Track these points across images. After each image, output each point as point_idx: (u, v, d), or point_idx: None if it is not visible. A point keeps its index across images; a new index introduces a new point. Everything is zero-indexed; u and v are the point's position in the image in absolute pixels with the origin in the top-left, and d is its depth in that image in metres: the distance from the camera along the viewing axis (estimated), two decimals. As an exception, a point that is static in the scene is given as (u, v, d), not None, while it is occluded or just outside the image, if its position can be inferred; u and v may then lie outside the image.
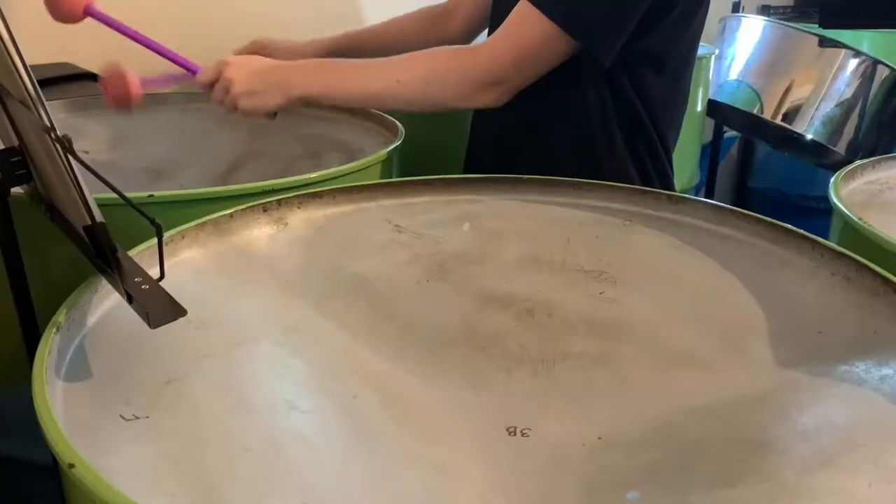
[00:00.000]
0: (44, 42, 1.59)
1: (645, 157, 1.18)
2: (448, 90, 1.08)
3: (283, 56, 1.32)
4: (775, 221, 0.83)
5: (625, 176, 1.16)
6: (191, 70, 1.17)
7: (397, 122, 1.20)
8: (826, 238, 0.81)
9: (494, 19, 1.21)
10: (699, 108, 2.08)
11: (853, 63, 1.98)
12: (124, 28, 1.20)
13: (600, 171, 1.12)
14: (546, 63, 1.06)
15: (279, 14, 2.00)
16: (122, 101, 1.13)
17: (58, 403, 0.56)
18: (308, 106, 1.22)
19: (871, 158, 1.12)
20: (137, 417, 0.58)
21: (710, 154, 2.54)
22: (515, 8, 1.05)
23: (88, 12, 1.19)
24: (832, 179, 1.02)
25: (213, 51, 1.75)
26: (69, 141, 0.54)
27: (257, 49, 1.37)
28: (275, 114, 1.13)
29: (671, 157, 1.22)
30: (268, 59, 1.15)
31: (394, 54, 1.15)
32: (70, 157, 0.56)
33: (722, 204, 0.88)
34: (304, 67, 1.14)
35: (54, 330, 0.60)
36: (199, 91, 1.44)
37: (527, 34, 1.04)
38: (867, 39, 2.33)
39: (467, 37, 1.43)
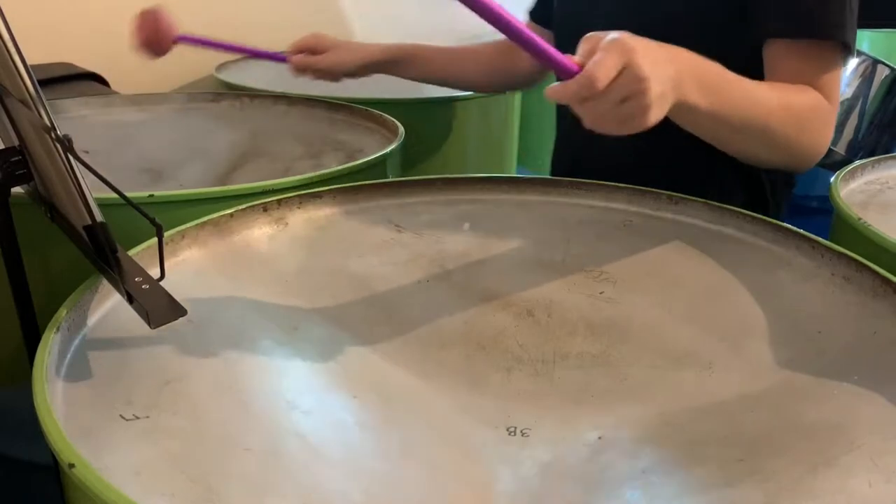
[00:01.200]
0: (44, 42, 1.59)
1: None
2: (817, 147, 0.93)
3: (343, 55, 1.28)
4: (775, 221, 0.83)
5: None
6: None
7: (397, 123, 1.20)
8: (826, 238, 0.81)
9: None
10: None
11: (853, 63, 1.98)
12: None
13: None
14: None
15: (269, 16, 2.00)
16: (153, 42, 1.14)
17: (58, 403, 0.56)
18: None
19: (871, 158, 1.12)
20: (137, 417, 0.58)
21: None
22: (801, 50, 0.91)
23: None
24: (832, 179, 1.02)
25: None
26: (69, 141, 0.54)
27: (316, 42, 1.29)
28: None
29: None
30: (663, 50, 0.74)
31: (457, 73, 1.09)
32: (70, 157, 0.56)
33: (722, 204, 0.88)
34: (694, 73, 0.78)
35: (54, 330, 0.60)
36: (198, 91, 1.45)
37: (835, 79, 0.93)
38: (867, 39, 2.32)
39: (537, 72, 1.35)
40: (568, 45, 0.72)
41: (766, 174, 1.09)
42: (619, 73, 0.67)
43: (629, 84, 0.67)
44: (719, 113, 0.81)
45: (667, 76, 0.71)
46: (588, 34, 0.70)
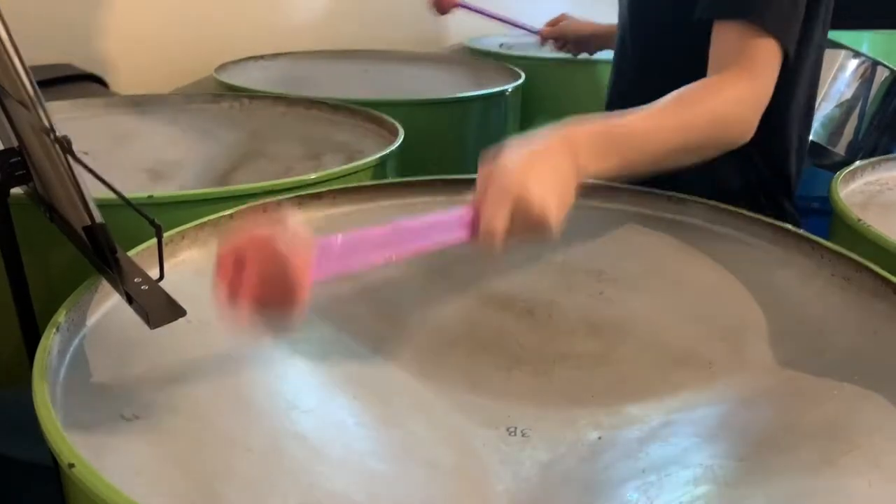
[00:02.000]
0: (44, 42, 1.59)
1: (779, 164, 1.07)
2: (739, 129, 0.90)
3: (580, 26, 1.56)
4: (775, 221, 0.83)
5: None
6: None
7: (397, 123, 1.20)
8: (826, 238, 0.81)
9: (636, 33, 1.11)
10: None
11: (853, 64, 1.98)
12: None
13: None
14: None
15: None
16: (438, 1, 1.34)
17: (58, 403, 0.56)
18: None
19: (871, 159, 1.12)
20: (137, 417, 0.58)
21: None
22: (724, 31, 0.92)
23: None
24: (832, 180, 1.02)
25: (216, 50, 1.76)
26: (68, 141, 0.54)
27: (562, 18, 1.62)
28: None
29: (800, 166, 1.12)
30: (528, 155, 0.73)
31: None
32: (69, 158, 0.56)
33: (722, 204, 0.88)
34: (590, 147, 0.78)
35: (54, 330, 0.60)
36: (198, 91, 1.45)
37: (771, 61, 0.91)
38: (867, 40, 2.32)
39: None
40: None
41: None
42: (513, 216, 0.68)
43: (523, 221, 0.68)
44: (632, 163, 0.81)
45: (555, 183, 0.71)
46: (480, 168, 0.73)
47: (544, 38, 1.65)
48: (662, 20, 1.06)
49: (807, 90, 1.09)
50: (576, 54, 1.65)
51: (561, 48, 1.64)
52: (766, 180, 1.09)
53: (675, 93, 0.88)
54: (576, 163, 0.74)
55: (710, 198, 0.96)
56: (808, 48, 1.02)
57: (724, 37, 0.93)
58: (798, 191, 1.23)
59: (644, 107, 0.84)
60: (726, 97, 0.90)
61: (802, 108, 1.08)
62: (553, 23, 1.64)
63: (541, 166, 0.72)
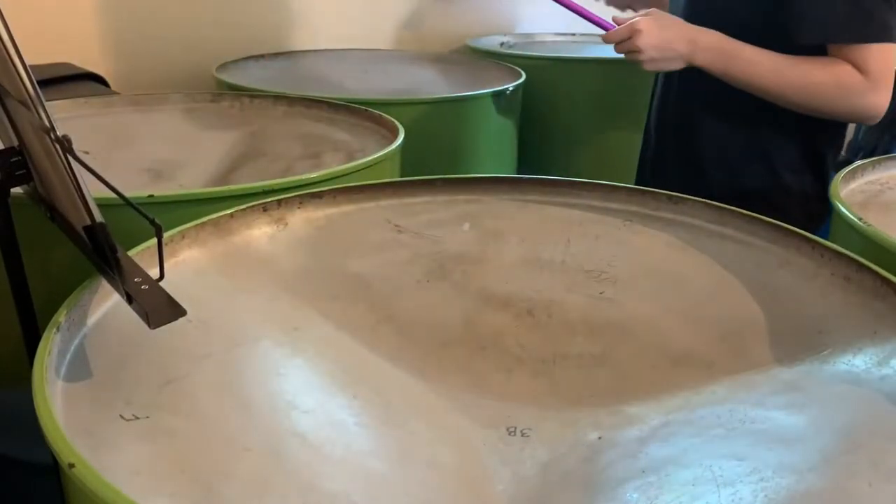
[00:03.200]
0: (44, 42, 1.59)
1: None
2: (840, 110, 1.18)
3: None
4: (775, 221, 0.83)
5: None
6: (603, 27, 1.29)
7: (397, 123, 1.20)
8: (826, 238, 0.81)
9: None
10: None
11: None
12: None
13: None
14: None
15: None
16: None
17: (58, 403, 0.56)
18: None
19: (871, 158, 1.12)
20: (137, 417, 0.58)
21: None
22: (851, 50, 1.14)
23: None
24: (832, 180, 1.02)
25: (218, 43, 1.76)
26: (69, 141, 0.54)
27: None
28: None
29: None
30: (675, 24, 1.22)
31: None
32: (70, 157, 0.56)
33: (722, 204, 0.88)
34: (709, 41, 1.19)
35: (54, 330, 0.60)
36: (198, 91, 1.45)
37: (883, 68, 1.15)
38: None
39: None
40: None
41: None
42: (627, 39, 1.22)
43: (630, 47, 1.22)
44: (737, 73, 1.19)
45: (667, 51, 1.21)
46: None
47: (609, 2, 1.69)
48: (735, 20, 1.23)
49: None
50: (621, 9, 1.66)
51: (610, 3, 1.65)
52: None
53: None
54: (690, 45, 1.20)
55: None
56: None
57: (839, 54, 1.15)
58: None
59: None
60: (850, 84, 1.14)
61: None
62: None
63: (669, 33, 1.21)
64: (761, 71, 1.17)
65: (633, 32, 1.20)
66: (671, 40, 1.20)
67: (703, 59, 1.19)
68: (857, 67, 1.13)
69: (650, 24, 1.20)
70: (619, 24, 1.25)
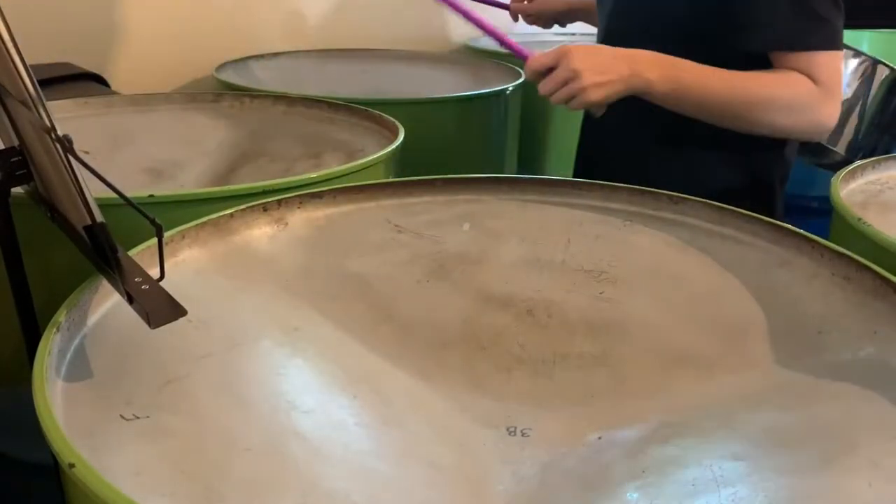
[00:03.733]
0: (44, 42, 1.59)
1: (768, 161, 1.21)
2: (798, 125, 1.08)
3: (551, 2, 1.56)
4: (775, 221, 0.83)
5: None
6: (521, 55, 1.14)
7: (397, 123, 1.20)
8: (826, 238, 0.81)
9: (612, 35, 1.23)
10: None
11: (853, 63, 1.97)
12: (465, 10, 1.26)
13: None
14: None
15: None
16: None
17: (58, 403, 0.56)
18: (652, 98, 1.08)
19: (871, 158, 1.12)
20: (137, 417, 0.58)
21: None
22: (800, 58, 1.06)
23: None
24: (832, 179, 1.02)
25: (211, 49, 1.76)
26: (69, 141, 0.54)
27: None
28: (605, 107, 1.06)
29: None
30: (605, 48, 1.07)
31: None
32: (70, 157, 0.56)
33: (722, 204, 0.88)
34: (653, 61, 1.05)
35: (54, 330, 0.60)
36: (198, 91, 1.45)
37: (836, 78, 1.07)
38: (867, 39, 2.32)
39: None
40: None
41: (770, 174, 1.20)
42: (555, 66, 1.03)
43: (565, 73, 1.02)
44: (686, 92, 1.04)
45: (609, 71, 1.02)
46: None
47: (514, 13, 1.64)
48: (675, 25, 1.13)
49: None
50: (547, 27, 1.65)
51: (533, 22, 1.63)
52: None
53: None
54: (631, 64, 1.03)
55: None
56: None
57: (788, 63, 1.06)
58: (798, 190, 1.27)
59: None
60: (807, 94, 1.05)
61: None
62: None
63: (604, 57, 1.04)
64: (712, 83, 1.04)
65: (561, 54, 1.03)
66: (607, 62, 1.03)
67: (647, 78, 1.03)
68: (809, 77, 1.05)
69: (578, 48, 1.04)
70: None
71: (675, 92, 1.04)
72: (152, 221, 0.56)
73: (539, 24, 1.63)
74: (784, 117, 1.06)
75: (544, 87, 1.04)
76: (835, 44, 1.06)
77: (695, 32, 1.09)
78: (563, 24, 1.64)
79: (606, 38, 1.24)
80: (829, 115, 1.07)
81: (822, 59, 1.05)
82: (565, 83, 1.02)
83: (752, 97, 1.05)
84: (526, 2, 1.63)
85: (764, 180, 1.21)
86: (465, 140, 1.58)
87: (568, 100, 1.03)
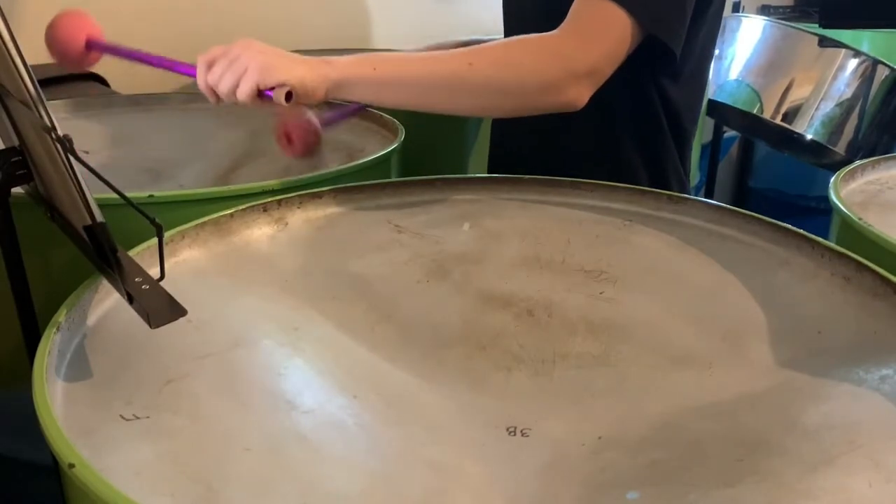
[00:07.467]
0: (44, 42, 1.59)
1: (663, 158, 1.16)
2: (534, 76, 0.92)
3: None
4: (775, 221, 0.83)
5: (637, 177, 1.13)
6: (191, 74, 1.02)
7: (397, 123, 1.20)
8: (826, 238, 0.81)
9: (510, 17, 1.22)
10: (699, 107, 2.08)
11: (853, 63, 1.98)
12: (129, 52, 1.14)
13: (615, 173, 1.06)
14: (624, 57, 0.97)
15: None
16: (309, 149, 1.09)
17: (58, 403, 0.56)
18: (341, 100, 1.03)
19: (871, 158, 1.13)
20: (137, 417, 0.58)
21: (710, 154, 2.54)
22: (582, 2, 0.96)
23: (92, 46, 1.16)
24: (832, 179, 1.02)
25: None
26: (69, 141, 0.54)
27: None
28: (289, 94, 0.87)
29: (688, 161, 1.20)
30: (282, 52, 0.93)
31: None
32: (70, 157, 0.56)
33: (722, 204, 0.88)
34: (347, 57, 0.93)
35: (54, 330, 0.60)
36: (198, 91, 1.45)
37: (612, 26, 0.94)
38: (867, 39, 2.33)
39: None
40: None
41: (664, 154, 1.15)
42: (215, 59, 0.90)
43: (224, 59, 0.88)
44: (384, 77, 0.91)
45: (281, 56, 0.88)
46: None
47: None
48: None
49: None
50: None
51: None
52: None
53: None
54: (322, 63, 0.90)
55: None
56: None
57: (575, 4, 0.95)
58: (798, 190, 1.25)
59: None
60: (527, 47, 0.93)
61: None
62: None
63: (275, 53, 0.90)
64: (412, 65, 0.92)
65: (218, 50, 0.90)
66: (279, 54, 0.89)
67: (341, 68, 0.90)
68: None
69: (244, 41, 0.90)
70: None
71: (363, 81, 0.90)
72: (152, 221, 0.56)
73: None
74: (521, 76, 0.92)
75: (206, 82, 0.90)
76: None
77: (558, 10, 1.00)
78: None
79: (505, 22, 1.24)
80: (568, 55, 0.92)
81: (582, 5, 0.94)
82: (230, 67, 0.88)
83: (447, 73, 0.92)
84: None
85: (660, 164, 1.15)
86: (465, 140, 1.58)
87: (234, 86, 0.88)
